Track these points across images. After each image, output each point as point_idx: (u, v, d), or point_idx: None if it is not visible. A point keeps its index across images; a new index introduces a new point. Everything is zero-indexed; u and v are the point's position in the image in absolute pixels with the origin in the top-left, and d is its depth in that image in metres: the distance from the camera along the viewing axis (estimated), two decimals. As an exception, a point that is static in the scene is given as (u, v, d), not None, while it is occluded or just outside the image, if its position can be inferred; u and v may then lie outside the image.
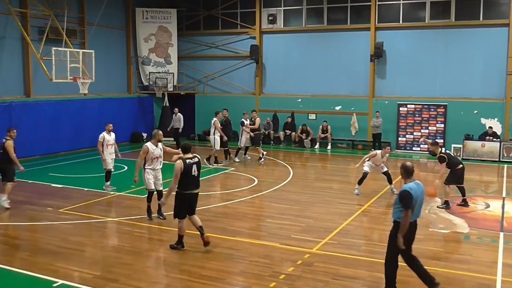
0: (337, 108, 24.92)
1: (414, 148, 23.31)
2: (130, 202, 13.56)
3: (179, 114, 22.58)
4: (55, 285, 8.05)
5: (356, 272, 8.59)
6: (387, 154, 14.65)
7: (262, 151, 20.06)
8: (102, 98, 24.45)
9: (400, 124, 23.55)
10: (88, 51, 20.56)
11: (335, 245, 10.00)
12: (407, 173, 7.42)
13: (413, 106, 23.35)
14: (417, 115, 23.32)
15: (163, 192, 11.29)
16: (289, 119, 25.19)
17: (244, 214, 12.49)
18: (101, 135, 14.49)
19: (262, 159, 19.84)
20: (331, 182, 16.21)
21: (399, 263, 7.52)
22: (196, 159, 9.59)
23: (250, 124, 19.88)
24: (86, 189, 14.93)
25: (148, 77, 27.41)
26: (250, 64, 26.70)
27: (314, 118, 25.39)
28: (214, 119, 19.30)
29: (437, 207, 12.84)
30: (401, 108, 23.51)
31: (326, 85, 25.14)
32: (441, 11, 22.80)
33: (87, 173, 17.28)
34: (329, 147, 24.31)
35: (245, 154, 20.44)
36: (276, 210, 12.98)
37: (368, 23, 23.95)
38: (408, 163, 7.53)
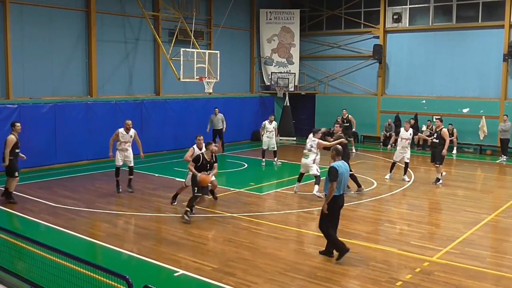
0: (465, 110, 23.62)
1: (551, 156, 21.43)
2: (249, 199, 13.90)
3: (219, 114, 21.48)
4: (176, 274, 8.48)
5: (480, 285, 8.09)
6: (411, 129, 15.64)
7: (442, 170, 16.33)
8: (226, 97, 25.28)
9: (536, 129, 21.75)
10: (214, 51, 21.34)
11: (457, 255, 9.50)
12: (337, 154, 9.11)
13: (551, 109, 21.48)
14: (556, 120, 21.41)
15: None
16: (412, 121, 24.25)
17: (361, 217, 12.27)
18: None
19: (440, 181, 16.01)
20: (456, 189, 15.40)
21: None
22: None
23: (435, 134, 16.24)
24: (208, 184, 15.54)
25: (270, 77, 27.92)
26: (373, 64, 26.16)
27: (439, 120, 24.25)
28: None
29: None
30: (537, 112, 21.73)
31: (453, 86, 23.95)
32: None
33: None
34: (454, 151, 23.06)
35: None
36: (396, 214, 12.63)
37: (501, 21, 22.41)
38: (339, 147, 9.32)
